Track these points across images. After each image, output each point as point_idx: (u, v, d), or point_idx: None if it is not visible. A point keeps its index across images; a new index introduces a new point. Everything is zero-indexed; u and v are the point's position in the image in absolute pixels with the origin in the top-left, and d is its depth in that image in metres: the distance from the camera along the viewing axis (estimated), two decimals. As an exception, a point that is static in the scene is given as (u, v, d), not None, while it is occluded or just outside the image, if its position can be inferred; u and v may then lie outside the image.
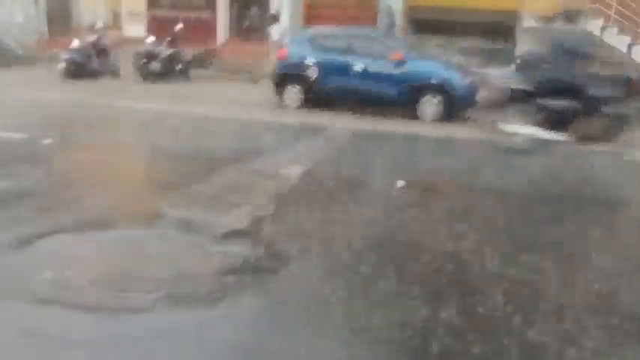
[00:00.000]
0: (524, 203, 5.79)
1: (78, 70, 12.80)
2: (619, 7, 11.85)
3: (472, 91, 9.92)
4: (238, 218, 4.68)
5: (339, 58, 10.17)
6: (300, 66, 10.34)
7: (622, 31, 11.88)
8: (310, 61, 10.27)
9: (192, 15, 15.90)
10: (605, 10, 11.94)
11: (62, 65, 12.76)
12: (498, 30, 13.05)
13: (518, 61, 12.70)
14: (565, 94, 8.74)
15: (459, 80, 9.77)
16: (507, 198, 5.92)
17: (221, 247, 4.13)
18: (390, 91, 9.85)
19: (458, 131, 9.12)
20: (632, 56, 11.76)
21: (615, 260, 4.34)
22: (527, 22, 12.53)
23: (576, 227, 5.07)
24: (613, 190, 6.48)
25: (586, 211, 5.71)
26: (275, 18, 14.84)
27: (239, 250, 4.09)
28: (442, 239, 4.52)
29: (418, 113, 9.74)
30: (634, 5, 11.76)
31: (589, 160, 7.81)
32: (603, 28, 12.00)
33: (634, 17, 11.78)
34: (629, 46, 11.76)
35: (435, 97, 9.71)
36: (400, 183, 6.02)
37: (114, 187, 5.53)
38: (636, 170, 7.64)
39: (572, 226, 5.09)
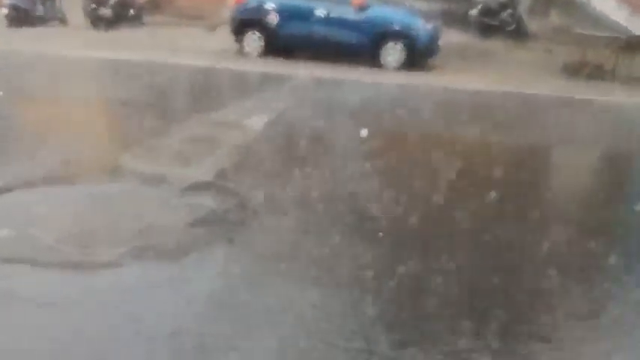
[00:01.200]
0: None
1: (22, 17, 12.08)
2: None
3: (435, 37, 9.87)
4: (203, 170, 4.61)
5: (300, 4, 9.89)
6: (260, 11, 10.01)
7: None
8: (270, 6, 9.96)
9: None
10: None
11: (4, 12, 11.99)
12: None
13: (479, 6, 12.74)
14: None
15: (421, 26, 9.67)
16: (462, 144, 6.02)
17: (187, 200, 4.07)
18: (353, 37, 9.70)
19: (419, 79, 9.12)
20: (591, 2, 11.89)
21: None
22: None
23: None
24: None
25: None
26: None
27: (206, 202, 4.05)
28: (407, 190, 4.58)
29: (381, 61, 9.65)
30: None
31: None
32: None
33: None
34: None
35: (397, 43, 9.62)
36: (363, 132, 6.02)
37: (72, 141, 5.31)
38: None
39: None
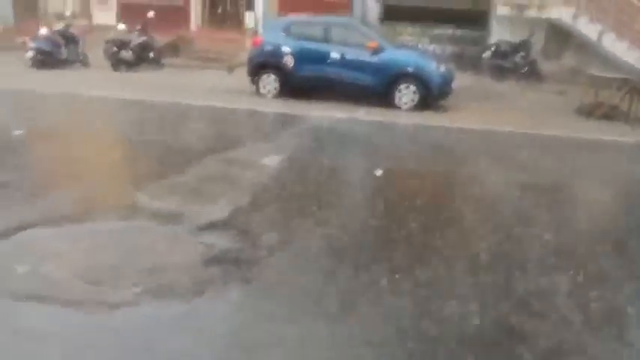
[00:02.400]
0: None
1: (46, 60, 12.46)
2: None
3: (448, 79, 9.99)
4: (219, 208, 4.64)
5: (315, 47, 10.10)
6: (276, 54, 10.24)
7: (593, 19, 12.05)
8: (286, 49, 10.19)
9: (164, 2, 15.61)
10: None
11: (30, 54, 12.39)
12: (472, 18, 13.14)
13: (492, 49, 12.92)
14: None
15: (434, 69, 9.81)
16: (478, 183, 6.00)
17: (202, 238, 4.09)
18: (367, 79, 9.84)
19: (432, 119, 9.18)
20: (603, 45, 11.98)
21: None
22: (501, 10, 12.63)
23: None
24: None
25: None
26: (250, 4, 14.67)
27: (221, 240, 4.06)
28: (422, 228, 4.57)
29: (395, 102, 9.77)
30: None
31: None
32: (575, 17, 12.17)
33: (604, 6, 11.95)
34: (600, 34, 11.95)
35: (410, 85, 9.74)
36: (378, 172, 6.05)
37: (90, 179, 5.42)
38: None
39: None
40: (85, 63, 13.02)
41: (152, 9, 14.06)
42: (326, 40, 10.14)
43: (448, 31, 13.90)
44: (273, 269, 3.76)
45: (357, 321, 3.15)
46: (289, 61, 10.15)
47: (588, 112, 9.88)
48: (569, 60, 12.99)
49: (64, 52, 12.87)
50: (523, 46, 12.75)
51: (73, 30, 13.21)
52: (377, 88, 9.83)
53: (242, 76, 10.99)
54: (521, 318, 3.25)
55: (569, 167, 6.98)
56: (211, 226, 4.30)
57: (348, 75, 9.92)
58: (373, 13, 13.80)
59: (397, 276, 3.68)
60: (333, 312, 3.24)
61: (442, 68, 9.94)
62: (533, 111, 10.26)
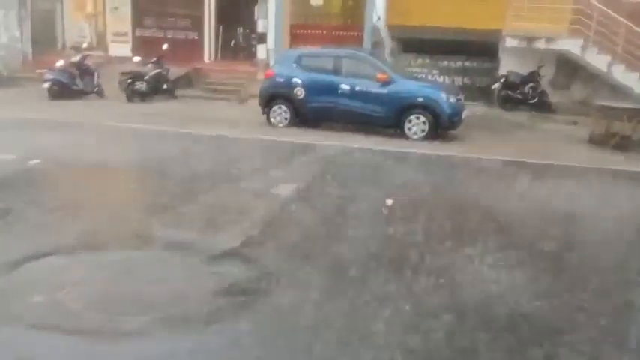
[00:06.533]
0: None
1: (62, 90, 12.73)
2: (599, 28, 12.10)
3: (458, 109, 10.05)
4: (230, 238, 4.66)
5: (326, 78, 10.24)
6: (287, 85, 10.40)
7: (601, 51, 12.13)
8: (297, 80, 10.35)
9: (178, 35, 15.97)
10: (584, 30, 12.18)
11: (46, 85, 12.67)
12: (482, 49, 13.26)
13: (502, 80, 13.01)
14: None
15: (445, 99, 9.87)
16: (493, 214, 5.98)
17: (214, 268, 4.10)
18: (377, 110, 9.93)
19: (443, 149, 9.20)
20: (613, 75, 12.03)
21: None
22: (510, 42, 12.75)
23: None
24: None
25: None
26: (262, 37, 14.94)
27: (232, 270, 4.07)
28: (433, 256, 4.55)
29: (405, 132, 9.83)
30: (613, 26, 12.02)
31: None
32: (583, 48, 12.25)
33: (613, 37, 12.04)
34: (609, 65, 12.00)
35: (421, 116, 9.80)
36: (389, 201, 6.06)
37: (104, 209, 5.48)
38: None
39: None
40: (100, 94, 13.27)
41: (167, 42, 14.44)
42: (336, 71, 10.28)
43: (458, 62, 14.03)
44: (284, 300, 3.75)
45: (367, 354, 3.12)
46: (300, 92, 10.30)
47: (600, 142, 9.85)
48: (578, 90, 13.03)
49: (79, 83, 13.15)
50: (532, 77, 12.83)
51: (89, 62, 13.50)
52: (387, 118, 9.92)
53: (254, 107, 11.14)
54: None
55: (584, 199, 6.90)
56: (223, 256, 4.31)
57: (358, 106, 10.03)
58: (383, 46, 13.99)
59: (407, 307, 3.66)
60: (342, 345, 3.21)
61: (452, 98, 10.01)
62: (544, 141, 10.26)
